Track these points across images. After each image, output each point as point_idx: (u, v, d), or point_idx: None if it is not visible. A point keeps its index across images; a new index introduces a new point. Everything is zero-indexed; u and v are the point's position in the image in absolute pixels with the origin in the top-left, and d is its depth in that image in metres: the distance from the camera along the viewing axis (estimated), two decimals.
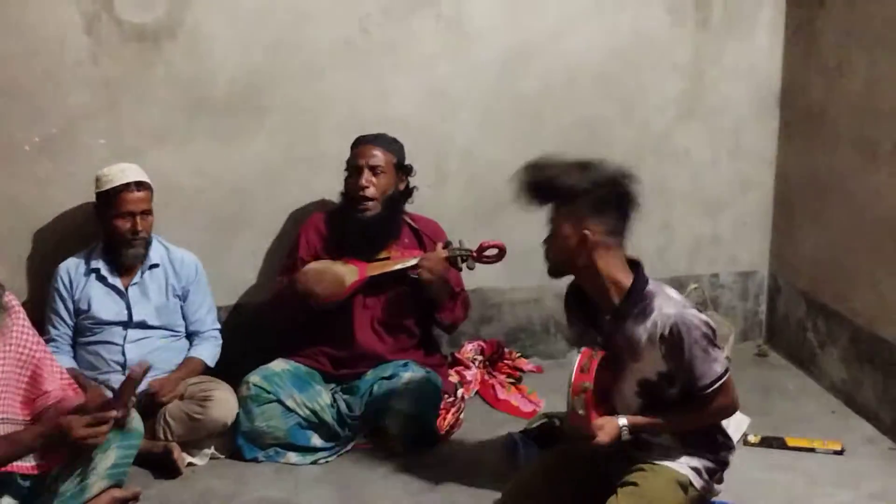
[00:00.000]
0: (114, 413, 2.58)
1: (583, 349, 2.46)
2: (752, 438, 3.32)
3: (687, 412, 2.54)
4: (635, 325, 2.48)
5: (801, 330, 3.99)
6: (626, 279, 2.50)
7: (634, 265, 2.54)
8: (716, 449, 2.65)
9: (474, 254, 3.43)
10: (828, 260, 3.80)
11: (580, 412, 2.42)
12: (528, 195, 2.54)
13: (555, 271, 2.57)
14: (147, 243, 3.33)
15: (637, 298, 2.48)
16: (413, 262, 3.38)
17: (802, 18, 3.88)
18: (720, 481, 2.69)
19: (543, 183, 2.52)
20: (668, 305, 2.47)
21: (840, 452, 3.27)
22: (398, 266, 3.38)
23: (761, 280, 4.27)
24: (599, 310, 2.57)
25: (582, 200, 2.46)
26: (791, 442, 3.32)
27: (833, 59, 3.68)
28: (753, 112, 4.08)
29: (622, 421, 2.50)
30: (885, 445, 3.34)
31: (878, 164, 3.41)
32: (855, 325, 3.59)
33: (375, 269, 3.36)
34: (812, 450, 3.29)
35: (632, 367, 2.52)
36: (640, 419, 2.53)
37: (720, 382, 2.49)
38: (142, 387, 3.00)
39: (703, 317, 2.50)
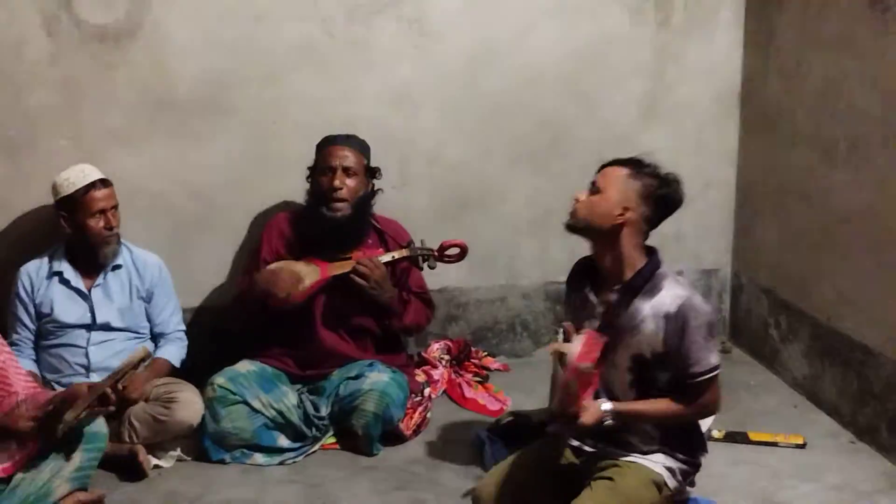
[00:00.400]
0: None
1: (587, 331, 2.44)
2: (715, 433, 3.35)
3: (672, 403, 2.55)
4: (642, 301, 2.53)
5: (764, 326, 4.04)
6: (641, 259, 2.56)
7: (650, 250, 2.60)
8: (692, 450, 2.67)
9: (435, 253, 3.43)
10: (788, 257, 3.85)
11: (573, 392, 2.39)
12: (618, 160, 2.61)
13: (575, 226, 2.57)
14: (119, 238, 3.31)
15: (649, 276, 2.54)
16: (384, 259, 3.38)
17: (761, 19, 3.93)
18: (692, 484, 2.72)
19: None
20: (679, 287, 2.54)
21: (802, 446, 3.32)
22: None
23: (724, 277, 4.32)
24: (606, 283, 2.60)
25: (644, 181, 2.54)
26: (754, 436, 3.36)
27: (791, 59, 3.74)
28: (714, 111, 4.13)
29: (606, 406, 2.50)
30: (845, 439, 3.39)
31: (835, 163, 3.46)
32: (816, 321, 3.65)
33: (337, 268, 3.35)
34: (775, 444, 3.33)
35: (629, 342, 2.54)
36: (623, 405, 2.53)
37: (712, 374, 2.53)
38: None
39: (709, 307, 2.57)
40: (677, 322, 2.49)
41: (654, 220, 2.58)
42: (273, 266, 3.35)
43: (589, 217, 2.54)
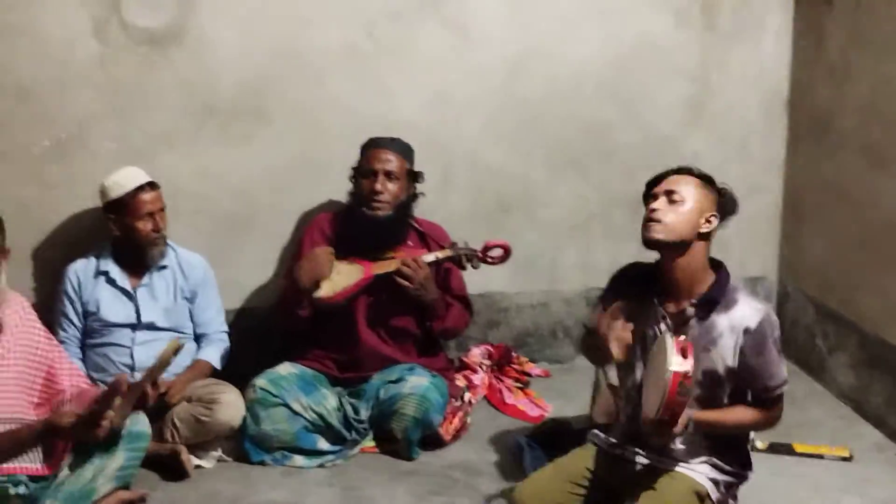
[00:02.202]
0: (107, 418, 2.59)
1: (674, 337, 2.38)
2: (759, 444, 3.30)
3: (746, 412, 2.53)
4: (718, 315, 2.50)
5: (810, 336, 3.98)
6: (709, 271, 2.54)
7: (717, 263, 2.58)
8: (738, 463, 2.64)
9: (479, 253, 3.42)
10: (836, 265, 3.79)
11: (681, 398, 2.30)
12: (673, 169, 2.59)
13: (665, 242, 2.49)
14: (165, 240, 3.36)
15: (724, 290, 2.51)
16: (428, 259, 3.37)
17: (810, 22, 3.88)
18: (735, 498, 2.69)
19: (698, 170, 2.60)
20: (756, 301, 2.52)
21: (848, 459, 3.27)
22: None
23: (770, 286, 4.26)
24: (673, 295, 2.55)
25: (713, 191, 2.55)
26: (799, 448, 3.31)
27: (840, 63, 3.68)
28: (761, 117, 4.08)
29: (689, 413, 2.43)
30: (892, 452, 3.33)
31: (885, 170, 3.41)
32: (863, 331, 3.58)
33: (381, 268, 3.35)
34: (820, 456, 3.28)
35: (702, 356, 2.50)
36: (704, 414, 2.50)
37: (784, 387, 2.52)
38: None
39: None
40: (757, 337, 2.46)
41: (716, 232, 2.55)
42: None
43: (679, 229, 2.48)
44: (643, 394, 2.50)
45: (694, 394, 2.52)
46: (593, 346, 2.59)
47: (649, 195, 2.57)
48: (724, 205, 2.57)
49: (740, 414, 2.54)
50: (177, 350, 2.82)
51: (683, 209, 2.49)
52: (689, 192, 2.51)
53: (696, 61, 3.96)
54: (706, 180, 2.56)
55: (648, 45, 3.90)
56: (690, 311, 2.52)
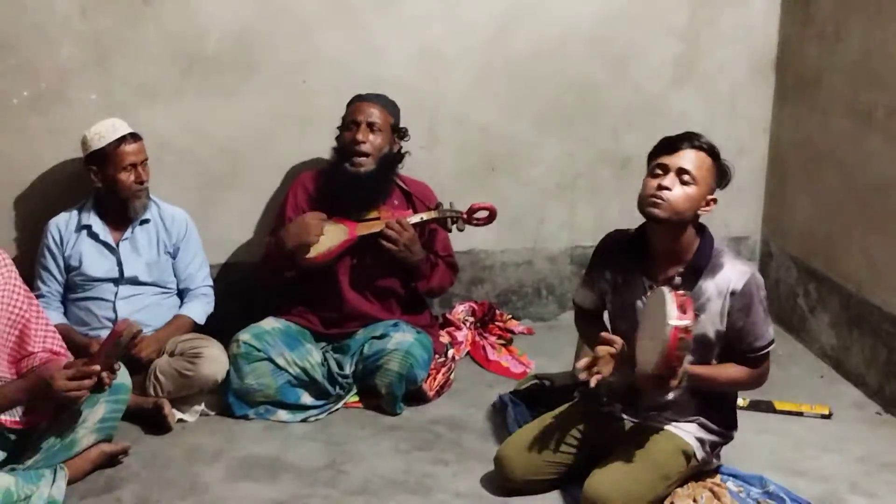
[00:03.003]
0: (96, 368, 2.55)
1: (672, 291, 2.36)
2: (740, 402, 3.30)
3: (737, 370, 2.56)
4: (704, 281, 2.51)
5: (792, 295, 4.00)
6: (695, 238, 2.55)
7: (700, 226, 2.57)
8: (725, 423, 2.68)
9: (464, 215, 3.41)
10: (820, 226, 3.80)
11: (679, 353, 2.31)
12: (690, 139, 2.51)
13: (659, 219, 2.46)
14: (148, 193, 3.33)
15: (709, 255, 2.53)
16: (413, 220, 3.36)
17: None
18: (718, 457, 2.73)
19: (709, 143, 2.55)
20: (741, 263, 2.54)
21: (828, 416, 3.29)
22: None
23: (754, 245, 4.27)
24: (658, 263, 2.56)
25: (720, 168, 2.54)
26: (779, 406, 3.33)
27: (829, 24, 3.66)
28: (749, 77, 4.06)
29: (685, 367, 2.44)
30: (871, 410, 3.36)
31: (871, 131, 3.40)
32: (845, 291, 3.60)
33: (365, 228, 3.34)
34: (800, 414, 3.31)
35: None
36: (698, 368, 2.51)
37: (771, 347, 2.55)
38: None
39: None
40: (744, 299, 2.48)
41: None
42: (297, 219, 3.35)
43: (683, 212, 2.46)
44: (638, 350, 2.49)
45: (687, 360, 2.53)
46: (585, 330, 2.64)
47: (658, 163, 2.50)
48: (721, 179, 2.56)
49: (732, 371, 2.56)
50: (134, 336, 2.69)
51: (691, 192, 2.46)
52: (702, 176, 2.48)
53: (686, 20, 3.93)
54: (716, 159, 2.53)
55: (638, 2, 3.87)
56: (678, 280, 2.53)
